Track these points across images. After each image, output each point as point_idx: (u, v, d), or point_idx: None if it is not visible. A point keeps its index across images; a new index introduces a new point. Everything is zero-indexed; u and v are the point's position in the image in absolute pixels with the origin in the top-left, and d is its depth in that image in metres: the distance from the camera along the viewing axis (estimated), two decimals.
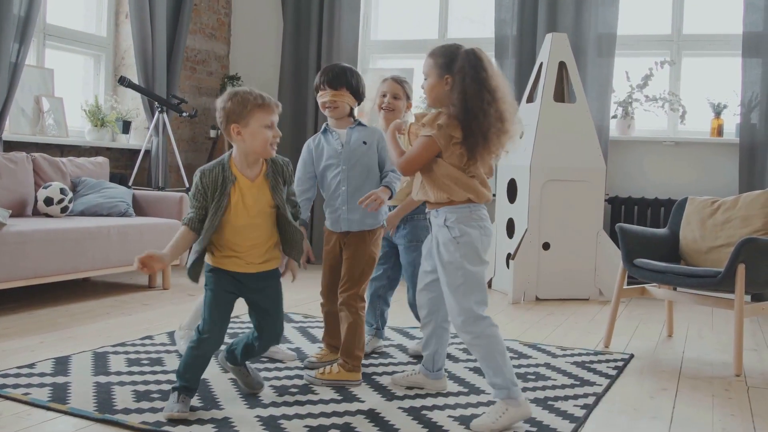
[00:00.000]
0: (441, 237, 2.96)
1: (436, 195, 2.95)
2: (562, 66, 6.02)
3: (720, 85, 6.41)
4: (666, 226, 4.64)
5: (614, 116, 6.55)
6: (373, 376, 3.47)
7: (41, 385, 3.12)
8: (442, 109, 2.93)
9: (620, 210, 6.47)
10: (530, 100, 6.11)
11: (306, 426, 2.75)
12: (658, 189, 6.45)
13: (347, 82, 3.45)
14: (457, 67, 2.88)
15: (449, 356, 3.87)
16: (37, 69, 5.99)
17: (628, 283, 4.43)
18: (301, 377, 3.41)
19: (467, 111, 2.85)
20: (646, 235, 4.41)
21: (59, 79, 6.20)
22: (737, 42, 6.17)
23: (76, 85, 6.65)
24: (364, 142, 3.47)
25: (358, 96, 3.50)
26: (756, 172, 6.06)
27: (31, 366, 3.40)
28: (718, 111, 6.34)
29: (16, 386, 3.10)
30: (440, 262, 2.96)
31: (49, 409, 2.87)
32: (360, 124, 3.52)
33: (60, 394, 3.02)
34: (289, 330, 4.39)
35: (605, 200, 6.17)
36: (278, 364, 3.61)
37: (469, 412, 2.98)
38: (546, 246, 5.83)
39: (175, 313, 4.80)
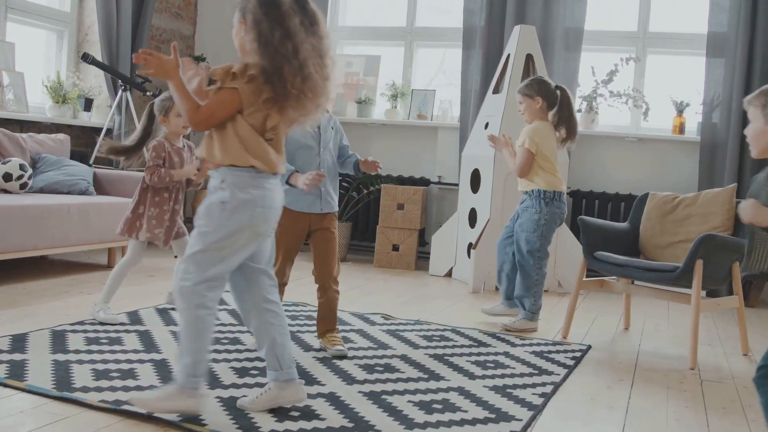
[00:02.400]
0: (212, 198, 2.61)
1: (221, 155, 2.57)
2: (529, 58, 6.04)
3: (683, 84, 6.50)
4: (626, 220, 4.70)
5: (579, 110, 6.60)
6: (333, 360, 3.47)
7: None
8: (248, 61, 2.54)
9: (581, 203, 6.53)
10: (496, 91, 6.13)
11: (266, 409, 2.75)
12: (619, 184, 6.53)
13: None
14: (250, 5, 2.54)
15: (409, 342, 3.89)
16: None
17: (588, 276, 4.47)
18: (262, 359, 3.40)
19: (267, 59, 2.50)
20: (607, 228, 4.46)
21: (20, 54, 6.09)
22: (702, 42, 6.25)
23: (38, 60, 6.55)
24: (332, 128, 3.53)
25: None
26: (716, 170, 6.16)
27: None
28: (680, 109, 6.42)
29: None
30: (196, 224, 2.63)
31: (6, 386, 2.83)
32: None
33: (17, 371, 2.99)
34: None
35: (567, 193, 6.22)
36: (238, 346, 3.60)
37: (429, 397, 3.00)
38: None
39: (134, 293, 4.76)
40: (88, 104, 6.57)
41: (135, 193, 4.06)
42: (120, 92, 6.32)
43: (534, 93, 4.40)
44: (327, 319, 3.66)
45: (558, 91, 4.47)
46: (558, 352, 3.94)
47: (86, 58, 5.94)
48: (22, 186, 5.23)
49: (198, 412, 2.64)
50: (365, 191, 6.91)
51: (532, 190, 4.41)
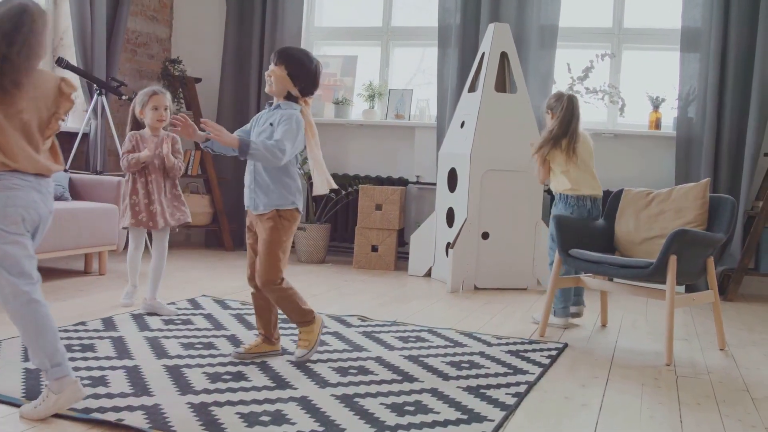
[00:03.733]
0: None
1: None
2: (503, 56, 6.05)
3: (659, 79, 6.52)
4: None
5: None
6: (308, 364, 3.46)
7: None
8: None
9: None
10: (472, 89, 6.13)
11: (237, 413, 2.74)
12: None
13: (288, 61, 3.41)
14: None
15: (384, 344, 3.88)
16: None
17: (564, 274, 4.48)
18: (234, 363, 3.39)
19: None
20: (581, 225, 4.47)
21: None
22: (676, 36, 6.27)
23: None
24: (271, 124, 3.41)
25: (298, 80, 3.42)
26: (692, 165, 6.18)
27: None
28: (656, 104, 6.44)
29: None
30: None
31: None
32: (279, 106, 3.44)
33: None
34: (225, 317, 4.36)
35: (544, 191, 6.23)
36: (212, 351, 3.59)
37: (401, 399, 2.99)
38: (485, 235, 5.87)
39: (111, 298, 4.73)
40: None
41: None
42: (96, 96, 6.28)
43: (550, 108, 4.74)
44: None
45: (567, 102, 4.72)
46: (534, 350, 3.94)
47: (61, 62, 5.90)
48: None
49: (80, 396, 2.67)
50: (343, 192, 6.90)
51: (560, 194, 4.69)
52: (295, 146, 3.38)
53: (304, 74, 3.43)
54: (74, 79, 6.48)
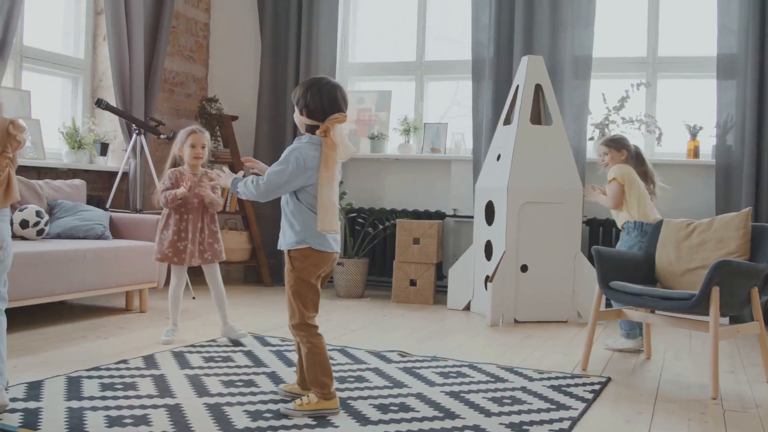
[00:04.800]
0: None
1: None
2: (538, 88, 6.05)
3: (696, 107, 6.47)
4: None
5: (591, 138, 6.59)
6: (348, 401, 3.45)
7: (12, 411, 3.09)
8: None
9: (598, 232, 6.49)
10: (507, 122, 6.14)
11: None
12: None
13: (294, 95, 3.33)
14: None
15: (425, 380, 3.86)
16: (14, 91, 5.97)
17: (606, 306, 4.43)
18: (275, 401, 3.39)
19: None
20: (622, 257, 4.43)
21: (36, 101, 6.17)
22: (712, 64, 6.23)
23: (54, 107, 6.62)
24: None
25: (305, 108, 3.27)
26: (732, 194, 6.11)
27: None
28: (694, 133, 6.39)
29: None
30: None
31: None
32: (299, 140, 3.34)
33: (31, 419, 2.99)
34: (265, 353, 4.37)
35: (583, 222, 6.19)
36: (252, 389, 3.59)
37: None
38: (524, 268, 5.83)
39: (151, 336, 4.75)
40: (103, 149, 6.63)
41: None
42: (134, 136, 6.37)
43: (620, 146, 4.99)
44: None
45: (634, 148, 5.08)
46: (576, 385, 3.90)
47: (100, 103, 6.00)
48: (39, 232, 5.27)
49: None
50: (381, 227, 6.91)
51: (626, 223, 4.85)
52: (285, 180, 3.23)
53: (306, 98, 3.25)
54: (113, 119, 6.60)
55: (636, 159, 5.06)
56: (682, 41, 6.60)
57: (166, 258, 4.56)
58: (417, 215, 7.05)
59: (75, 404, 3.23)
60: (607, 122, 6.54)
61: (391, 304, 6.49)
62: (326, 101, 3.25)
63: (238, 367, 4.03)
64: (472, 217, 6.69)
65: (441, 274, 6.89)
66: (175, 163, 4.63)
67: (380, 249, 7.13)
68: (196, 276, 6.81)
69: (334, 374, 3.79)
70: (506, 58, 6.71)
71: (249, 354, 4.34)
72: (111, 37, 6.48)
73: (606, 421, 3.35)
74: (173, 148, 4.62)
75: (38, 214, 5.27)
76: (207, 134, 4.60)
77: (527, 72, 5.99)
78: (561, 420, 3.27)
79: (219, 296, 4.66)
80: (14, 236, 5.22)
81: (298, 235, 3.27)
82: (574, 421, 3.28)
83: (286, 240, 3.32)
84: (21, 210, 5.23)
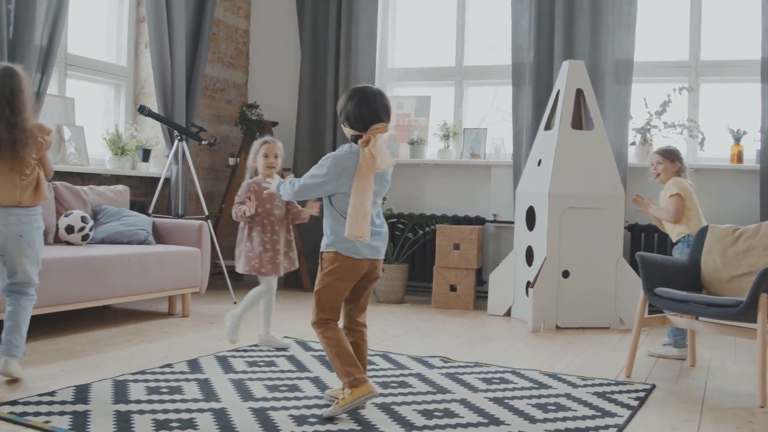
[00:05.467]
0: None
1: None
2: (579, 93, 6.02)
3: (739, 111, 6.40)
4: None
5: (633, 143, 6.54)
6: (392, 406, 3.45)
7: (62, 413, 3.13)
8: None
9: (640, 237, 6.44)
10: (548, 127, 6.11)
11: None
12: None
13: (339, 109, 3.40)
14: None
15: (468, 386, 3.85)
16: (58, 98, 6.06)
17: (649, 312, 4.39)
18: (320, 406, 3.40)
19: None
20: (666, 263, 4.38)
21: (80, 108, 6.26)
22: (756, 68, 6.15)
23: (97, 114, 6.71)
24: None
25: (345, 120, 3.34)
26: None
27: (51, 394, 3.41)
28: (737, 137, 6.31)
29: (37, 414, 3.11)
30: None
31: None
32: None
33: (80, 422, 3.03)
34: (307, 358, 4.38)
35: (625, 227, 6.15)
36: (297, 393, 3.60)
37: None
38: (566, 274, 5.80)
39: (195, 340, 4.80)
40: (146, 155, 6.70)
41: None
42: (176, 142, 6.44)
43: (674, 158, 4.95)
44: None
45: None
46: (621, 392, 3.87)
47: (143, 110, 6.07)
48: (84, 238, 5.34)
49: None
50: (420, 232, 6.91)
51: (685, 236, 4.78)
52: (316, 184, 3.33)
53: (347, 109, 3.31)
54: (155, 126, 6.67)
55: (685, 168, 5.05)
56: (725, 45, 6.53)
57: (258, 270, 4.52)
58: (457, 221, 7.04)
59: (122, 407, 3.26)
60: (648, 127, 6.49)
61: (431, 310, 6.49)
62: (365, 112, 3.29)
63: (282, 371, 4.05)
64: (512, 222, 6.67)
65: (481, 280, 6.87)
66: (253, 175, 4.67)
67: (420, 254, 7.13)
68: (235, 281, 6.86)
69: (377, 379, 3.82)
70: (546, 62, 6.69)
71: (291, 359, 4.36)
72: (153, 44, 6.56)
73: (652, 428, 3.32)
74: (248, 159, 4.67)
75: (83, 219, 5.34)
76: (280, 144, 4.63)
77: (568, 76, 5.96)
78: (606, 427, 3.24)
79: (269, 304, 4.70)
80: (60, 241, 5.30)
81: (328, 239, 3.39)
82: (620, 428, 3.25)
83: (322, 241, 3.45)
84: (66, 216, 5.30)
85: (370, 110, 3.29)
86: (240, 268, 4.57)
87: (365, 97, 3.31)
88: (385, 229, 3.47)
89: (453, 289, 6.59)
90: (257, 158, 4.58)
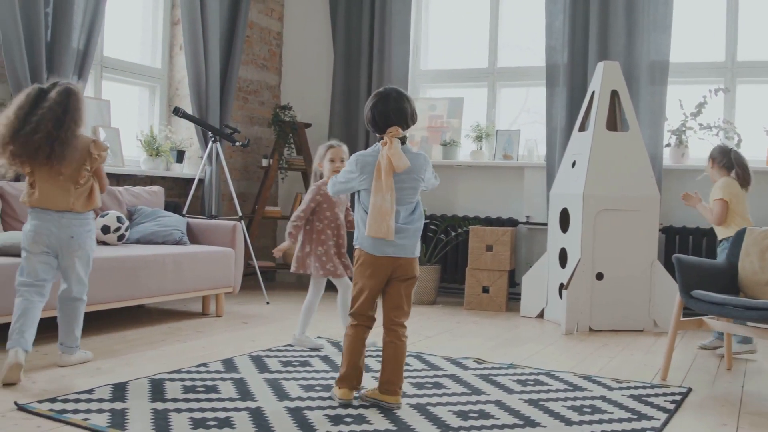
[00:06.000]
0: None
1: None
2: (614, 94, 5.99)
3: None
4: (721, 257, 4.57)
5: (668, 145, 6.49)
6: (427, 407, 3.45)
7: (100, 411, 3.16)
8: None
9: (675, 240, 6.39)
10: (582, 128, 6.08)
11: None
12: None
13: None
14: None
15: (503, 387, 3.84)
16: (94, 100, 6.12)
17: (684, 315, 4.35)
18: (355, 406, 3.41)
19: None
20: (703, 266, 4.34)
21: (115, 110, 6.32)
22: None
23: (132, 115, 6.77)
24: None
25: (369, 126, 3.54)
26: None
27: (90, 392, 3.44)
28: None
29: (75, 411, 3.14)
30: None
31: None
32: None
33: (119, 419, 3.06)
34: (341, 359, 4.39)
35: (659, 230, 6.10)
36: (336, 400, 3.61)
37: None
38: (599, 276, 5.77)
39: (229, 340, 4.83)
40: (180, 156, 6.75)
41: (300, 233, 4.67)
42: (210, 143, 6.48)
43: (721, 157, 5.06)
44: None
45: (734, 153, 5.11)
46: (657, 395, 3.84)
47: (177, 111, 6.12)
48: (120, 238, 5.39)
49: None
50: (453, 233, 6.91)
51: (729, 238, 4.83)
52: (344, 181, 3.54)
53: (365, 112, 3.52)
54: (189, 127, 6.72)
55: (739, 165, 5.08)
56: (762, 45, 6.46)
57: (334, 273, 4.57)
58: (489, 222, 7.02)
59: (159, 406, 3.29)
60: (684, 128, 6.44)
61: (464, 311, 6.48)
62: (378, 115, 3.44)
63: (316, 371, 4.06)
64: (544, 224, 6.65)
65: (513, 282, 6.85)
66: (318, 178, 4.70)
67: (452, 256, 7.12)
68: (268, 282, 6.89)
69: (411, 380, 3.84)
70: (580, 63, 6.66)
71: (326, 359, 4.38)
72: (187, 46, 6.61)
73: (689, 431, 3.29)
74: (314, 163, 4.71)
75: (119, 219, 5.39)
76: (345, 147, 4.64)
77: (603, 78, 5.93)
78: (643, 430, 3.22)
79: (313, 303, 4.71)
80: (96, 242, 5.34)
81: (357, 235, 3.55)
82: (657, 431, 3.23)
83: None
84: (102, 216, 5.35)
85: (383, 114, 3.43)
86: (313, 271, 4.58)
87: (380, 100, 3.46)
88: (415, 225, 3.50)
89: (485, 290, 6.58)
90: (323, 162, 4.60)
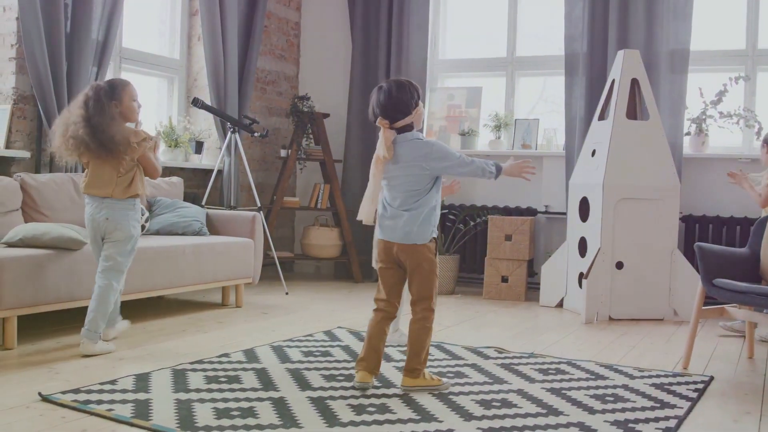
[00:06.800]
0: None
1: None
2: (634, 83, 5.95)
3: None
4: (742, 245, 4.55)
5: (688, 133, 6.45)
6: (450, 396, 3.45)
7: (124, 402, 3.18)
8: None
9: (695, 228, 6.35)
10: (602, 117, 6.05)
11: None
12: (733, 207, 6.32)
13: None
14: None
15: (524, 376, 3.84)
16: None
17: (705, 304, 4.33)
18: (378, 396, 3.42)
19: None
20: (725, 254, 4.32)
21: None
22: None
23: (151, 106, 6.79)
24: None
25: None
26: None
27: (113, 382, 3.47)
28: None
29: (99, 402, 3.16)
30: None
31: (132, 425, 2.92)
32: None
33: (142, 410, 3.07)
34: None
35: (679, 219, 6.07)
36: (354, 383, 3.62)
37: None
38: (619, 265, 5.75)
39: (249, 331, 4.84)
40: (198, 147, 6.77)
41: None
42: (229, 134, 6.49)
43: None
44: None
45: None
46: (679, 384, 3.83)
47: (196, 102, 6.13)
48: (141, 229, 5.40)
49: None
50: (472, 223, 6.90)
51: None
52: None
53: None
54: (208, 117, 6.73)
55: None
56: None
57: None
58: (508, 212, 7.01)
59: (183, 396, 3.31)
60: (704, 117, 6.40)
61: (483, 301, 6.48)
62: (370, 108, 3.65)
63: (338, 361, 4.07)
64: (564, 213, 6.63)
65: (532, 271, 6.83)
66: None
67: (471, 245, 7.11)
68: (287, 272, 6.91)
69: (432, 369, 3.86)
70: (600, 52, 6.62)
71: (346, 348, 4.39)
72: (206, 37, 6.62)
73: (713, 420, 3.28)
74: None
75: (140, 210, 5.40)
76: None
77: (623, 66, 5.90)
78: (667, 419, 3.21)
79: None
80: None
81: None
82: (681, 419, 3.22)
83: None
84: None
85: (371, 107, 3.64)
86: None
87: (372, 94, 3.66)
88: (413, 212, 3.54)
89: (504, 280, 6.57)
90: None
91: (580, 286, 5.78)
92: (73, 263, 4.35)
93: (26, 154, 5.21)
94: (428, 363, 3.98)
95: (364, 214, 3.61)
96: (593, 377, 3.89)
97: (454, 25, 7.68)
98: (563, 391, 3.59)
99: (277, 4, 7.72)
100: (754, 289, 3.93)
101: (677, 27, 6.38)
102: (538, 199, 7.04)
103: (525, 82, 7.43)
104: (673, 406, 3.41)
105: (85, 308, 4.18)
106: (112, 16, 5.63)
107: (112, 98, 4.06)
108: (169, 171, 6.50)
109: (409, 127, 3.56)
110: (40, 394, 3.25)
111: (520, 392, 3.55)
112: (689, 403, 3.47)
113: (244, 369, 3.83)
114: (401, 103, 3.54)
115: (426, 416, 3.13)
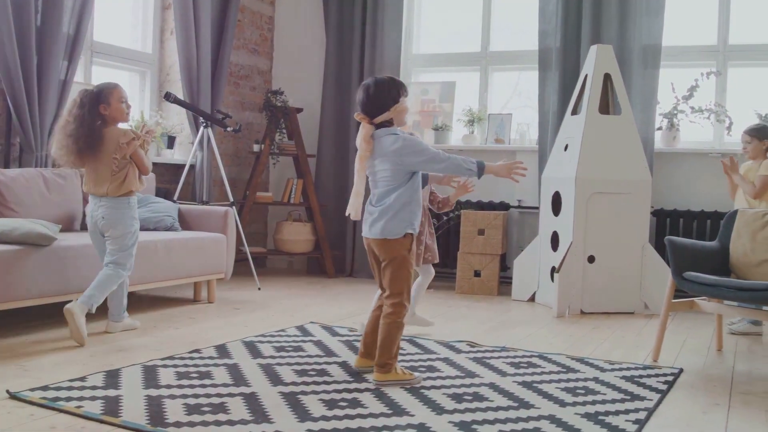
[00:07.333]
0: None
1: None
2: (607, 78, 5.98)
3: (767, 95, 6.33)
4: (712, 238, 4.59)
5: (659, 128, 6.50)
6: (422, 390, 3.46)
7: (93, 398, 3.15)
8: None
9: (665, 223, 6.40)
10: (575, 112, 6.08)
11: None
12: (704, 201, 6.38)
13: None
14: None
15: (496, 370, 3.86)
16: (84, 85, 6.07)
17: (675, 297, 4.37)
18: (349, 390, 3.41)
19: None
20: (695, 248, 4.36)
21: None
22: None
23: None
24: None
25: None
26: None
27: (82, 379, 3.44)
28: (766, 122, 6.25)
29: (68, 399, 3.13)
30: None
31: (102, 422, 2.89)
32: None
33: (112, 407, 3.05)
34: (335, 343, 4.40)
35: (651, 213, 6.12)
36: (326, 378, 3.62)
37: (520, 426, 2.96)
38: (591, 259, 5.78)
39: (221, 326, 4.82)
40: (170, 142, 6.73)
41: None
42: (201, 129, 6.45)
43: (764, 136, 5.12)
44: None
45: None
46: (649, 376, 3.86)
47: (168, 97, 6.08)
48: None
49: None
50: (445, 218, 6.91)
51: None
52: None
53: None
54: (180, 112, 6.69)
55: None
56: (754, 28, 6.46)
57: (425, 260, 4.56)
58: (481, 206, 7.02)
59: (153, 392, 3.28)
60: (675, 112, 6.44)
61: (456, 295, 6.49)
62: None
63: (309, 356, 4.06)
64: (536, 207, 6.66)
65: (505, 265, 6.86)
66: None
67: (444, 240, 7.12)
68: (259, 267, 6.88)
69: (404, 364, 3.90)
70: (573, 47, 6.65)
71: (319, 344, 4.38)
72: (178, 31, 6.58)
73: (682, 411, 3.31)
74: None
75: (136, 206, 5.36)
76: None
77: (596, 61, 5.93)
78: (636, 410, 3.24)
79: (423, 285, 4.69)
80: (86, 228, 5.33)
81: None
82: (650, 412, 3.24)
83: None
84: None
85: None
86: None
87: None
88: (383, 207, 3.58)
89: (477, 274, 6.59)
90: None
91: (552, 280, 5.81)
92: (42, 259, 4.31)
93: None
94: (400, 357, 3.99)
95: (351, 209, 3.64)
96: (564, 370, 3.91)
97: (428, 19, 7.69)
98: (534, 385, 3.61)
99: None
100: (722, 282, 3.97)
101: (650, 22, 6.42)
102: (511, 194, 7.06)
103: (499, 77, 7.45)
104: (643, 399, 3.44)
105: (57, 303, 4.16)
106: (83, 10, 5.58)
107: (99, 101, 4.26)
108: None
109: (388, 123, 3.61)
110: (8, 391, 3.21)
111: (491, 386, 3.56)
112: (659, 395, 3.50)
113: (216, 365, 3.81)
114: (378, 99, 3.59)
115: (398, 410, 3.13)
